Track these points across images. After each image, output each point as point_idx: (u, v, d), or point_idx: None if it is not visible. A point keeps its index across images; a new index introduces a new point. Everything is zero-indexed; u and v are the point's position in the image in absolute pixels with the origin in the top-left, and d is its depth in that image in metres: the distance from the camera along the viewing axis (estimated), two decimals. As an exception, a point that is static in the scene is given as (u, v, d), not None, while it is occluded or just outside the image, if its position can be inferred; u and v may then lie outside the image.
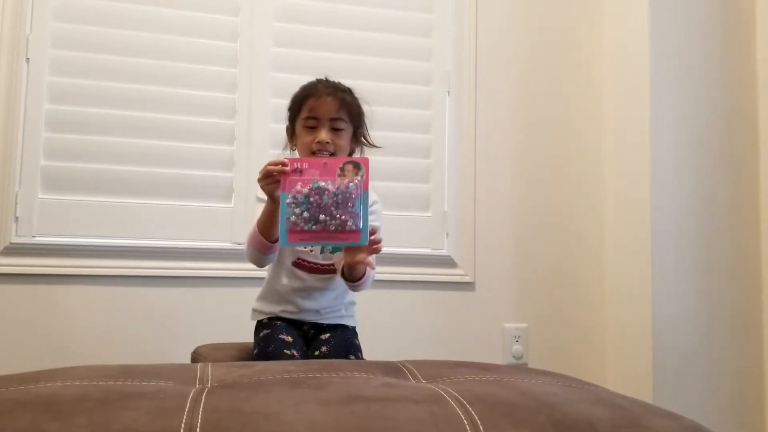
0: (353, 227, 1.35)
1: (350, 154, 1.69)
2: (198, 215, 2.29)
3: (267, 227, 1.49)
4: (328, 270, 1.64)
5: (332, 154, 1.59)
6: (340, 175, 1.37)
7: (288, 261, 1.64)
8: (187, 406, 0.76)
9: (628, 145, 2.49)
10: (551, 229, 2.57)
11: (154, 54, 2.30)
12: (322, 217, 1.34)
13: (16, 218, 2.16)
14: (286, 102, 2.34)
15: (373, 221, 1.57)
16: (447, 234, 2.49)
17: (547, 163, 2.59)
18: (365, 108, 1.71)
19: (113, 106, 2.25)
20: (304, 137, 1.63)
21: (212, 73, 2.35)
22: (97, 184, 2.23)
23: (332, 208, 1.34)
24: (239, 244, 2.21)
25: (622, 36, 2.56)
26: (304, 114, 1.63)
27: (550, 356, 2.50)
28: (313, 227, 1.33)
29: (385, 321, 2.35)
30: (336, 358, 1.58)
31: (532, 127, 2.59)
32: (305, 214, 1.34)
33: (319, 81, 1.69)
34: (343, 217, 1.35)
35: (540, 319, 2.53)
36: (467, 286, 2.48)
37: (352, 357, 1.60)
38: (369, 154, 1.77)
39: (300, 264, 1.64)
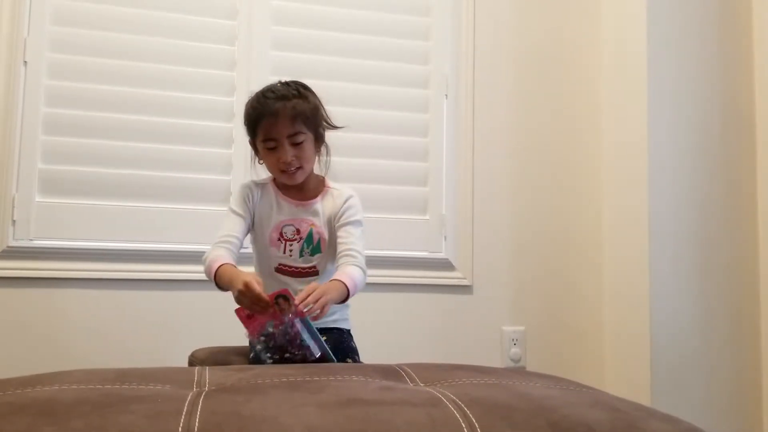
0: (313, 357, 1.38)
1: (317, 155, 1.67)
2: (196, 218, 2.29)
3: (225, 288, 1.51)
4: (310, 273, 1.63)
5: (300, 168, 1.59)
6: (279, 310, 1.38)
7: (271, 267, 1.63)
8: (185, 410, 0.76)
9: (625, 148, 2.49)
10: (549, 232, 2.57)
11: (151, 57, 2.30)
12: (287, 355, 1.38)
13: (14, 221, 2.16)
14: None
15: (351, 216, 1.62)
16: (445, 237, 2.49)
17: (545, 166, 2.59)
18: (318, 99, 1.64)
19: (111, 109, 2.25)
20: (267, 158, 1.61)
21: (210, 77, 2.35)
22: (95, 187, 2.23)
23: (289, 347, 1.38)
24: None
25: (619, 40, 2.57)
26: (261, 136, 1.58)
27: (548, 359, 2.49)
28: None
29: (382, 324, 2.34)
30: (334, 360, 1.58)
31: (529, 130, 2.60)
32: (274, 358, 1.39)
33: (265, 94, 1.59)
34: (300, 352, 1.38)
35: (538, 322, 2.53)
36: (465, 289, 2.48)
37: (348, 360, 1.60)
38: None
39: (282, 269, 1.63)
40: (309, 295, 1.38)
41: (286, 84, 1.62)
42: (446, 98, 2.54)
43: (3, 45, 2.18)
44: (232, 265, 1.51)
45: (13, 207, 2.16)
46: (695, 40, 2.46)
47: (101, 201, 2.23)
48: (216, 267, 1.51)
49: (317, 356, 1.40)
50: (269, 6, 2.41)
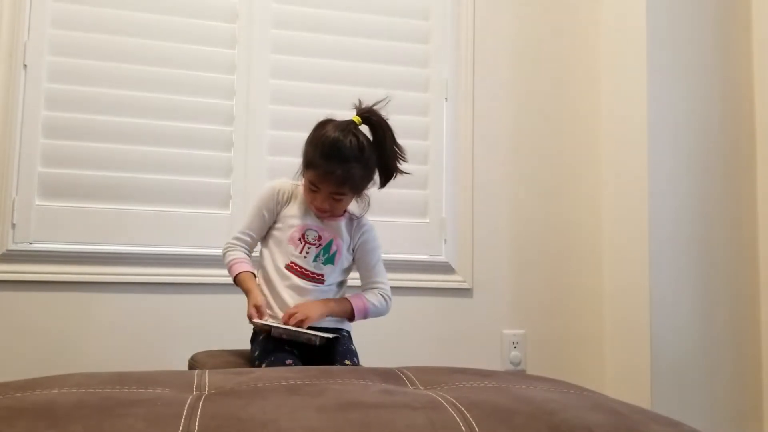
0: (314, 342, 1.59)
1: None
2: (195, 222, 2.29)
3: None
4: (316, 279, 1.67)
5: (331, 214, 1.67)
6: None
7: (281, 263, 1.67)
8: (184, 413, 0.76)
9: (625, 150, 2.49)
10: (549, 235, 2.57)
11: (151, 60, 2.30)
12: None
13: (13, 225, 2.16)
14: (283, 109, 2.36)
15: (372, 247, 1.74)
16: (445, 240, 2.49)
17: (545, 168, 2.59)
18: (388, 138, 1.66)
19: (111, 112, 2.25)
20: (306, 192, 1.66)
21: (210, 80, 2.35)
22: (95, 191, 2.22)
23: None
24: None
25: (619, 42, 2.57)
26: (309, 175, 1.62)
27: (548, 362, 2.49)
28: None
29: (382, 327, 2.33)
30: (332, 362, 1.59)
31: (529, 133, 2.60)
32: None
33: (332, 142, 1.57)
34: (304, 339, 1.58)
35: (538, 325, 2.53)
36: (465, 292, 2.48)
37: (348, 362, 1.60)
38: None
39: (291, 267, 1.66)
40: (290, 316, 1.57)
41: (354, 134, 1.59)
42: (446, 101, 2.54)
43: (3, 48, 2.18)
44: (251, 273, 1.69)
45: (13, 210, 2.16)
46: (695, 40, 2.46)
47: (101, 204, 2.23)
48: (237, 272, 1.68)
49: (317, 342, 1.57)
50: (269, 9, 2.41)
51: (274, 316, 1.61)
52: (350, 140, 1.58)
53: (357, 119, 1.64)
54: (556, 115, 2.62)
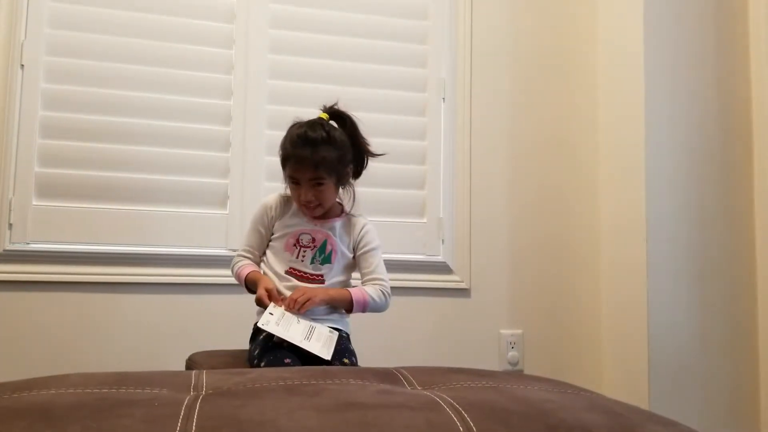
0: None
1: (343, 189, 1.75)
2: (193, 222, 2.29)
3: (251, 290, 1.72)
4: (316, 280, 1.70)
5: (319, 205, 1.68)
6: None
7: (281, 269, 1.70)
8: (182, 414, 0.76)
9: (623, 151, 2.49)
10: (547, 235, 2.57)
11: (148, 61, 2.30)
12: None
13: (10, 225, 2.15)
14: (281, 109, 2.37)
15: (369, 243, 1.75)
16: (442, 240, 2.49)
17: (543, 169, 2.60)
18: (354, 131, 1.71)
19: (108, 112, 2.25)
20: (291, 190, 1.71)
21: (207, 80, 2.35)
22: (92, 191, 2.22)
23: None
24: (234, 250, 2.20)
25: (616, 43, 2.57)
26: (287, 172, 1.67)
27: (546, 362, 2.49)
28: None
29: (380, 327, 2.34)
30: (331, 362, 1.59)
31: (527, 133, 2.60)
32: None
33: (299, 135, 1.63)
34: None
35: (536, 325, 2.53)
36: (463, 292, 2.48)
37: (346, 361, 1.61)
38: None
39: (291, 272, 1.70)
40: (294, 299, 1.61)
41: (319, 124, 1.65)
42: (444, 101, 2.54)
43: (0, 48, 2.18)
44: (258, 271, 1.74)
45: (10, 210, 2.15)
46: (692, 42, 2.46)
47: (98, 204, 2.22)
48: (245, 274, 1.72)
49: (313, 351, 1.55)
50: (267, 9, 2.41)
51: (283, 299, 1.63)
52: (316, 128, 1.65)
53: (324, 115, 1.70)
54: (554, 114, 2.63)
